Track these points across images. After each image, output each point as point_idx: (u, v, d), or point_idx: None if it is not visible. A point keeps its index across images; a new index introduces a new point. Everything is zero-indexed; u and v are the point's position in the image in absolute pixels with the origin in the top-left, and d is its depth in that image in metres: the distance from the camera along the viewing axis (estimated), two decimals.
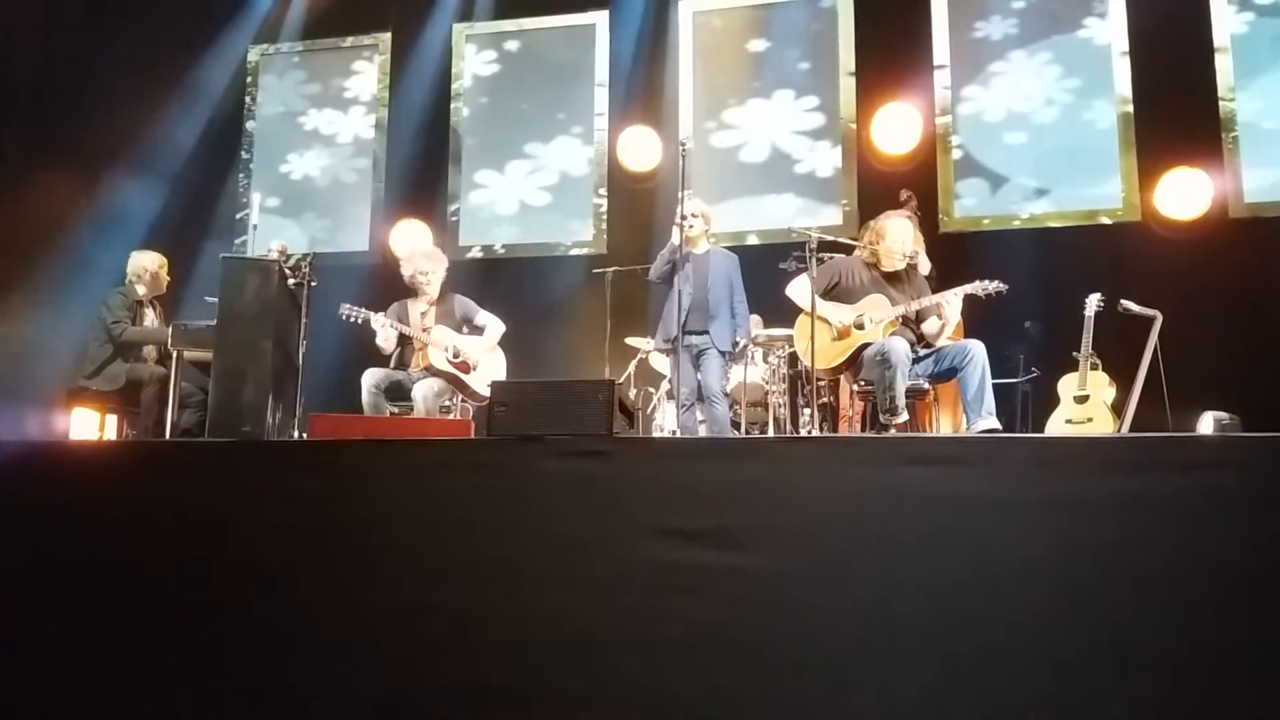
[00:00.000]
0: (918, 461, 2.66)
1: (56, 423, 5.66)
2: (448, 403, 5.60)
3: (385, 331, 5.41)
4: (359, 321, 5.41)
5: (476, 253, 8.02)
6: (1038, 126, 7.13)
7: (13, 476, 3.13)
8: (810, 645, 2.55)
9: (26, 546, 3.03)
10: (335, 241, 8.14)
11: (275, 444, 4.07)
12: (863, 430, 5.01)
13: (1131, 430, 5.19)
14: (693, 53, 7.82)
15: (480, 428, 4.42)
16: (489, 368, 5.56)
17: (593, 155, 7.95)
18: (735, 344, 5.49)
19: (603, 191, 7.86)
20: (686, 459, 2.86)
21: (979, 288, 4.62)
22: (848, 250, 5.10)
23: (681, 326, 5.13)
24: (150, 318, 5.76)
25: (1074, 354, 5.55)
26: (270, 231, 7.53)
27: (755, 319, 5.88)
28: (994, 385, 4.48)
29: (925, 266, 5.38)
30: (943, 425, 5.16)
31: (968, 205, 7.20)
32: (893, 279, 4.85)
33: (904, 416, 4.54)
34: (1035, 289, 5.94)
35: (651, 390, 6.42)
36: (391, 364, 5.51)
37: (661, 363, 6.15)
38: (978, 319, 5.21)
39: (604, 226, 7.82)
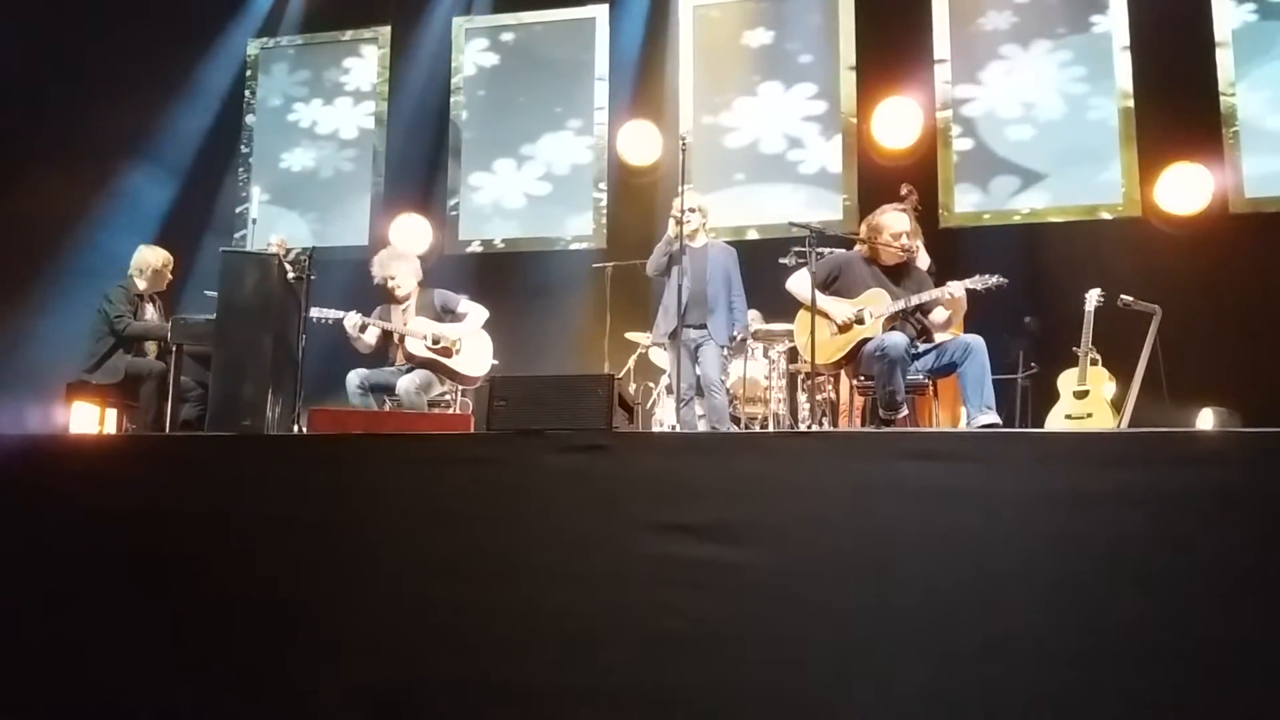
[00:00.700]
0: (917, 457, 2.66)
1: (56, 416, 5.66)
2: (442, 395, 5.60)
3: (355, 332, 5.40)
4: (329, 323, 5.39)
5: (476, 247, 8.01)
6: (1038, 121, 7.12)
7: (12, 470, 3.13)
8: (809, 640, 2.56)
9: (26, 540, 3.04)
10: (334, 235, 8.12)
11: (275, 438, 4.07)
12: (863, 425, 5.02)
13: (1131, 425, 5.19)
14: (693, 46, 7.80)
15: (480, 422, 4.42)
16: (473, 350, 5.55)
17: (593, 149, 7.94)
18: (733, 337, 5.49)
19: (603, 185, 7.85)
20: (686, 454, 2.86)
21: (979, 282, 4.61)
22: (848, 245, 5.09)
23: (680, 320, 5.13)
24: (150, 312, 5.76)
25: (1074, 349, 5.55)
26: (270, 225, 7.54)
27: (754, 314, 5.87)
28: (994, 380, 4.47)
29: (925, 261, 5.37)
30: (942, 420, 5.16)
31: (968, 200, 7.19)
32: (892, 273, 4.84)
33: (904, 411, 4.54)
34: (1035, 284, 5.94)
35: (651, 385, 6.42)
36: (375, 362, 5.50)
37: (661, 357, 6.15)
38: (977, 314, 5.21)
39: (604, 221, 7.81)
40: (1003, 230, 7.02)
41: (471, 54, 8.27)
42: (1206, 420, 5.70)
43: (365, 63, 8.47)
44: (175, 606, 2.93)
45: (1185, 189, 6.67)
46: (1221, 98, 6.75)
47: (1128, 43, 6.97)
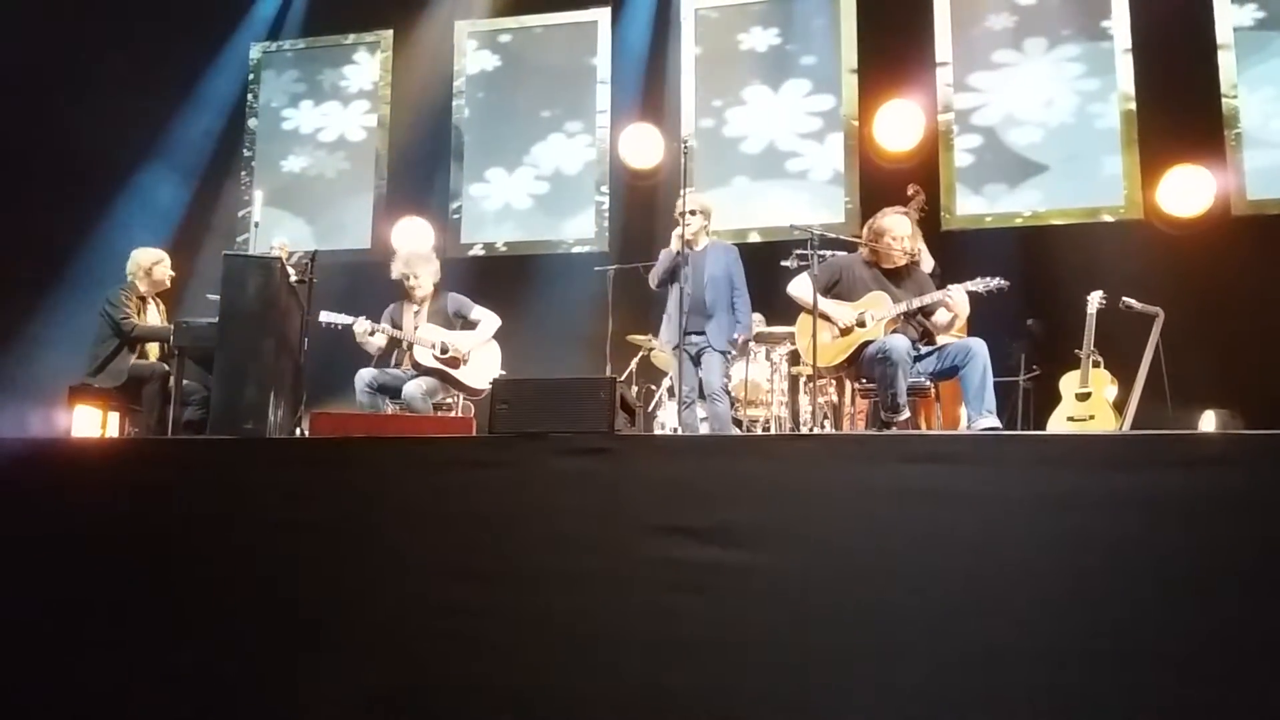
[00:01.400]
0: (919, 459, 2.66)
1: (59, 420, 5.67)
2: (445, 399, 5.60)
3: (364, 337, 5.41)
4: (338, 328, 5.40)
5: (478, 250, 8.01)
6: (1040, 123, 7.11)
7: (15, 474, 3.13)
8: (812, 643, 2.56)
9: (29, 543, 3.04)
10: (337, 239, 8.13)
11: (277, 441, 4.07)
12: (865, 428, 5.01)
13: (1133, 428, 5.19)
14: (695, 49, 7.81)
15: (482, 425, 4.42)
16: (481, 361, 5.55)
17: (595, 152, 7.94)
18: (734, 341, 5.39)
19: (605, 189, 7.85)
20: (688, 457, 2.86)
21: (980, 285, 4.62)
22: (849, 248, 5.09)
23: (682, 330, 5.09)
24: (153, 314, 5.76)
25: (1076, 352, 5.55)
26: (272, 229, 7.54)
27: (758, 317, 5.83)
28: (995, 383, 4.47)
29: (928, 264, 5.37)
30: (944, 422, 5.15)
31: (969, 203, 7.18)
32: (894, 276, 4.84)
33: (906, 414, 4.54)
34: (1037, 287, 5.94)
35: (653, 388, 6.42)
36: (384, 363, 5.52)
37: (663, 360, 6.15)
38: (979, 317, 5.21)
39: (606, 224, 7.81)
40: (1004, 233, 7.01)
41: (473, 57, 8.28)
42: (1208, 423, 5.69)
43: (367, 66, 8.48)
44: (177, 610, 2.93)
45: (1187, 191, 6.66)
46: (1223, 100, 6.75)
47: (1129, 45, 6.97)
